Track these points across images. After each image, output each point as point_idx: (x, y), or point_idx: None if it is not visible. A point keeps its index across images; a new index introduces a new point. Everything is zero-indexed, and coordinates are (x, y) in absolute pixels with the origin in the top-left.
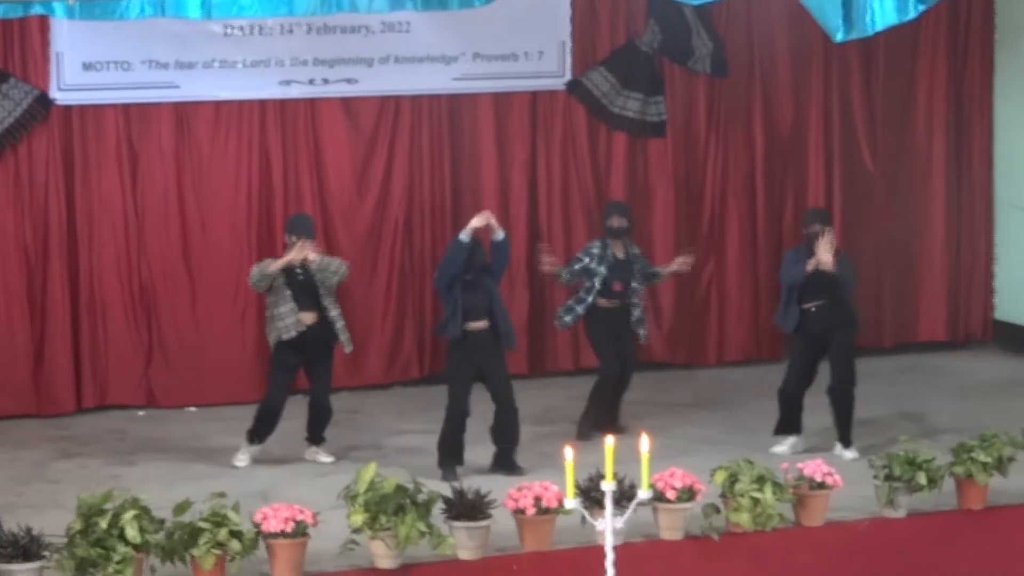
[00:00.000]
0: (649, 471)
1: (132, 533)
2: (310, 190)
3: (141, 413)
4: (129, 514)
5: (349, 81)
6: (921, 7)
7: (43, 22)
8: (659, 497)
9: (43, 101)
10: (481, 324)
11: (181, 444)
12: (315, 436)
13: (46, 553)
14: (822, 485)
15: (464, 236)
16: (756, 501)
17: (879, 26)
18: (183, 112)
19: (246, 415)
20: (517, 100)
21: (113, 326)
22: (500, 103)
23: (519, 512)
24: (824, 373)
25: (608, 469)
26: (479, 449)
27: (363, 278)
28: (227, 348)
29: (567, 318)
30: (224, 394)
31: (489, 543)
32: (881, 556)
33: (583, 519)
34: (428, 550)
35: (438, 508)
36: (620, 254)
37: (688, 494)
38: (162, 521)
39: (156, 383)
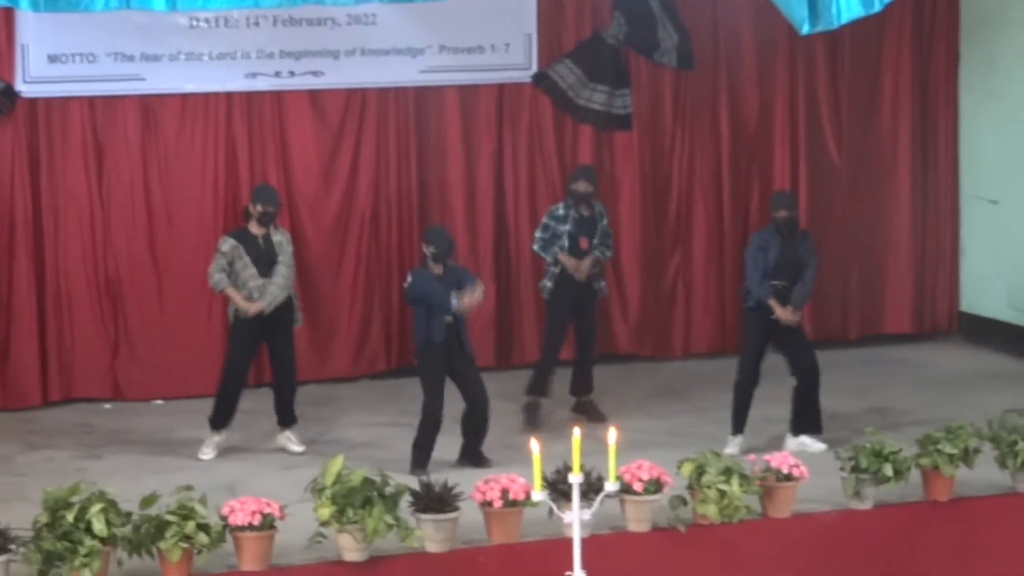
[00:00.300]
0: (616, 463)
1: (99, 526)
2: (276, 182)
3: (108, 406)
4: (96, 507)
5: (315, 74)
6: (886, 0)
7: (8, 14)
8: (626, 489)
9: (8, 94)
10: (448, 319)
11: (148, 437)
12: (285, 416)
13: (12, 547)
14: (789, 477)
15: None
16: (723, 493)
17: (844, 19)
18: (149, 105)
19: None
20: (484, 92)
21: (79, 319)
22: (466, 95)
23: (486, 505)
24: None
25: (575, 461)
26: (446, 441)
27: (330, 271)
28: (194, 341)
29: (549, 284)
30: (191, 387)
31: (456, 536)
32: (848, 547)
33: (550, 511)
34: (396, 543)
35: (405, 501)
36: (585, 212)
37: (655, 486)
38: (129, 514)
39: (123, 376)
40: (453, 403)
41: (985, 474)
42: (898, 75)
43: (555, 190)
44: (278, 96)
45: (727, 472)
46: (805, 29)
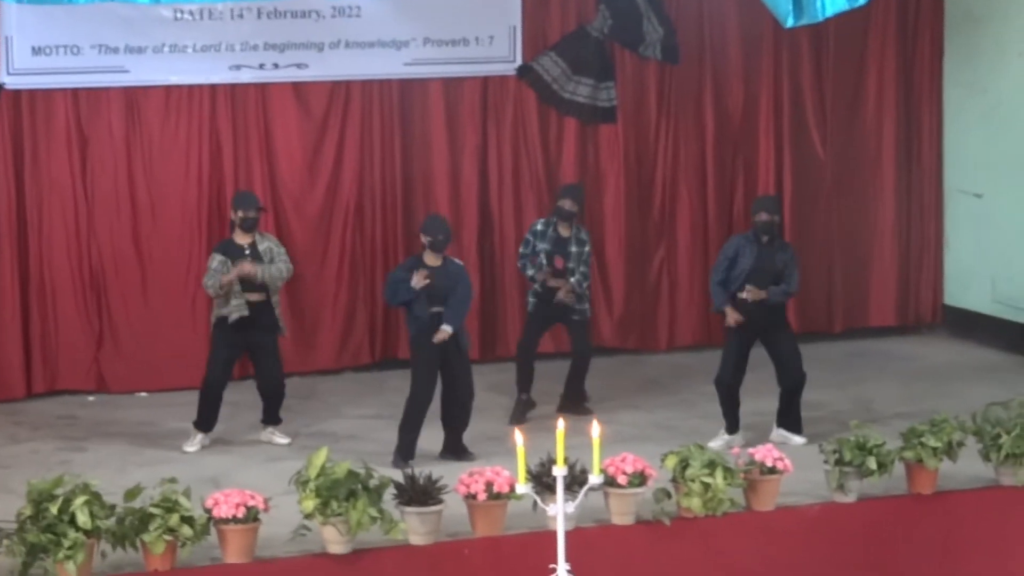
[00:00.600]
0: (600, 456)
1: (83, 519)
2: (261, 175)
3: (92, 398)
4: (80, 499)
5: (299, 66)
6: None
7: None
8: (610, 482)
9: None
10: (441, 310)
11: (132, 429)
12: (270, 416)
13: None
14: (773, 470)
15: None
16: (707, 486)
17: (829, 12)
18: (133, 97)
19: (197, 400)
20: (468, 85)
21: (63, 311)
22: (451, 88)
23: (470, 497)
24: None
25: (559, 454)
26: (429, 434)
27: (314, 263)
28: (178, 333)
29: (532, 299)
30: (175, 379)
31: (441, 528)
32: (831, 540)
33: (534, 504)
34: (380, 535)
35: (389, 493)
36: (565, 233)
37: (639, 479)
38: (113, 507)
39: (107, 368)
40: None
41: (969, 467)
42: (882, 69)
43: (539, 183)
44: (262, 88)
45: (711, 465)
46: (789, 22)
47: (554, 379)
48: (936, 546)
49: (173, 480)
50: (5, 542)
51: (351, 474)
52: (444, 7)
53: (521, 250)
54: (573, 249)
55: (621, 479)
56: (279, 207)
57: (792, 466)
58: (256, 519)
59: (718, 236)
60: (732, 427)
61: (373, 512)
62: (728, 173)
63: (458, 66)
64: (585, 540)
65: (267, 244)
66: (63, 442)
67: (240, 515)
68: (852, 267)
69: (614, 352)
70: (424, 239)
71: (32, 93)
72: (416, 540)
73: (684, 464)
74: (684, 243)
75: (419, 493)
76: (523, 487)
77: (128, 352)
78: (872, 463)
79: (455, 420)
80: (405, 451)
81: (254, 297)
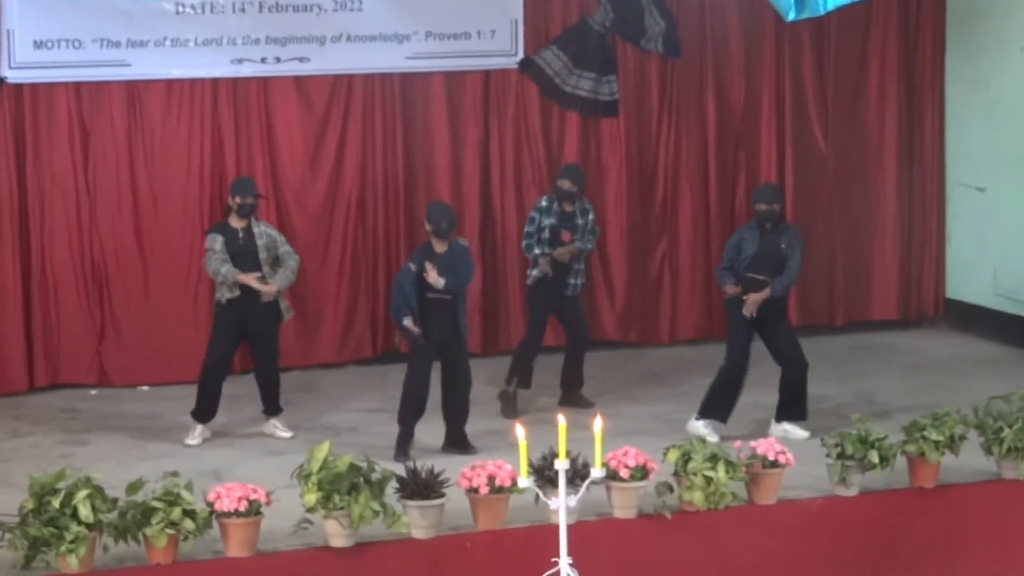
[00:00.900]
0: (602, 450)
1: (85, 512)
2: (262, 168)
3: (93, 392)
4: (82, 493)
5: (301, 59)
6: None
7: None
8: (612, 476)
9: None
10: (445, 296)
11: (134, 423)
12: (271, 407)
13: None
14: (775, 464)
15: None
16: (709, 480)
17: (830, 6)
18: (135, 90)
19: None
20: (470, 79)
21: (65, 305)
22: (453, 82)
23: (473, 491)
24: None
25: (561, 448)
26: (432, 428)
27: (316, 257)
28: (180, 326)
29: (534, 272)
30: (177, 373)
31: (443, 522)
32: (833, 534)
33: (536, 498)
34: (382, 529)
35: (391, 487)
36: (568, 208)
37: (641, 473)
38: (115, 500)
39: (108, 362)
40: (437, 388)
41: (971, 461)
42: (884, 63)
43: (541, 176)
44: (264, 82)
45: (713, 459)
46: (791, 16)
47: (555, 373)
48: (938, 540)
49: (175, 474)
50: (7, 536)
51: (353, 468)
52: (445, 1)
53: (527, 228)
54: (579, 222)
55: (623, 473)
56: (281, 201)
57: (794, 460)
58: (258, 513)
59: (720, 229)
60: (726, 417)
61: (375, 506)
62: (730, 167)
63: (460, 60)
64: (587, 533)
65: (262, 229)
66: (65, 436)
67: (242, 509)
68: (854, 261)
69: (616, 345)
70: (429, 227)
71: (34, 87)
72: (418, 534)
73: (686, 458)
74: (686, 237)
75: (421, 487)
76: (525, 481)
77: (130, 345)
78: (874, 457)
79: (454, 411)
80: (403, 441)
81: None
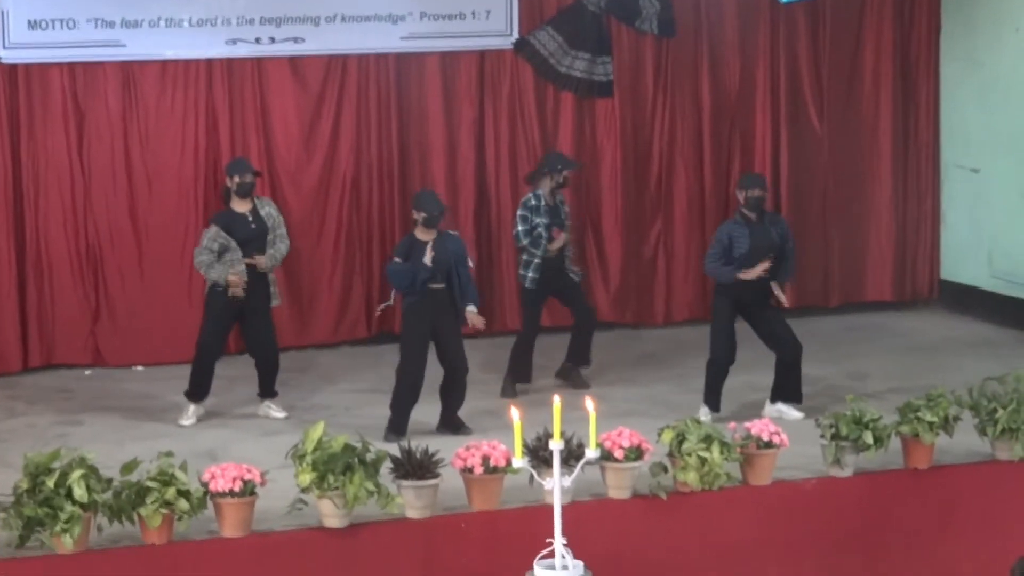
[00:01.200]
0: (597, 430)
1: (79, 492)
2: (257, 149)
3: (88, 372)
4: (76, 473)
5: (296, 40)
6: None
7: None
8: (607, 456)
9: None
10: (439, 284)
11: (128, 403)
12: (266, 389)
13: None
14: (769, 444)
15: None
16: (703, 460)
17: None
18: (129, 71)
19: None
20: (464, 60)
21: (60, 285)
22: (447, 62)
23: (467, 471)
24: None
25: (556, 428)
26: (426, 408)
27: (310, 237)
28: (174, 307)
29: (534, 275)
30: (171, 353)
31: (437, 502)
32: (827, 515)
33: (531, 478)
34: (376, 509)
35: (386, 467)
36: (551, 202)
37: (636, 453)
38: (110, 480)
39: (103, 342)
40: (433, 368)
41: (965, 442)
42: (879, 43)
43: (536, 158)
44: (258, 62)
45: (708, 439)
46: None
47: (549, 354)
48: (932, 520)
49: (170, 454)
50: (2, 515)
51: (348, 448)
52: None
53: (521, 228)
54: (564, 213)
55: (618, 453)
56: (276, 181)
57: (788, 441)
58: (253, 493)
59: (715, 210)
60: (718, 405)
61: (370, 486)
62: (725, 147)
63: (454, 40)
64: (581, 514)
65: (268, 210)
66: (60, 416)
67: (237, 489)
68: (848, 242)
69: (611, 326)
70: (418, 215)
71: (28, 67)
72: (412, 514)
73: (681, 438)
74: (681, 217)
75: (416, 467)
76: (520, 461)
77: (124, 326)
78: (868, 438)
79: (451, 395)
80: (397, 427)
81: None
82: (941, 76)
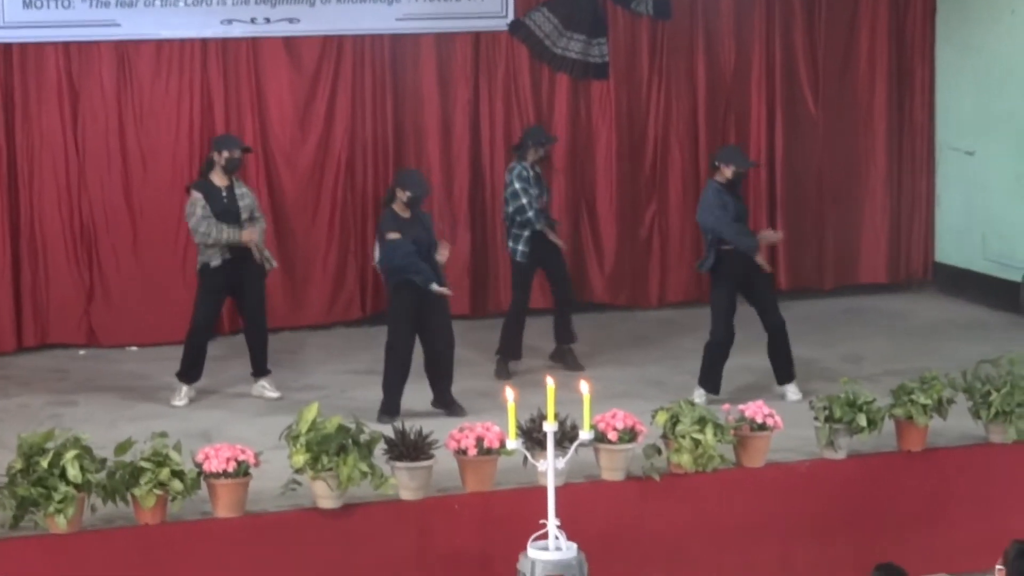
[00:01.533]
0: (591, 412)
1: (73, 472)
2: (252, 130)
3: (82, 352)
4: (70, 453)
5: (291, 20)
6: None
7: None
8: (600, 438)
9: None
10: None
11: (122, 383)
12: (259, 367)
13: None
14: (763, 427)
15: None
16: (697, 442)
17: None
18: (124, 51)
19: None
20: (459, 40)
21: (54, 265)
22: (443, 43)
23: (461, 453)
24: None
25: (550, 410)
26: (420, 390)
27: (305, 218)
28: (169, 287)
29: (524, 248)
30: (166, 333)
31: (431, 483)
32: (821, 497)
33: (525, 460)
34: (370, 490)
35: (380, 448)
36: (537, 170)
37: (629, 435)
38: (103, 460)
39: (97, 322)
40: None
41: (958, 425)
42: (875, 25)
43: None
44: (253, 43)
45: (701, 421)
46: None
47: (543, 336)
48: (925, 503)
49: (164, 434)
50: None
51: (341, 429)
52: None
53: (524, 201)
54: (544, 183)
55: (611, 435)
56: (270, 162)
57: (782, 423)
58: (247, 473)
59: None
60: (718, 388)
61: (363, 467)
62: (720, 130)
63: (450, 21)
64: (575, 495)
65: (244, 190)
66: (53, 396)
67: (231, 469)
68: (843, 224)
69: (605, 308)
70: (403, 194)
71: (23, 47)
72: (406, 495)
73: (674, 420)
74: (675, 199)
75: (409, 448)
76: (513, 443)
77: (119, 306)
78: (862, 420)
79: (438, 373)
80: (390, 408)
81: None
82: (936, 58)
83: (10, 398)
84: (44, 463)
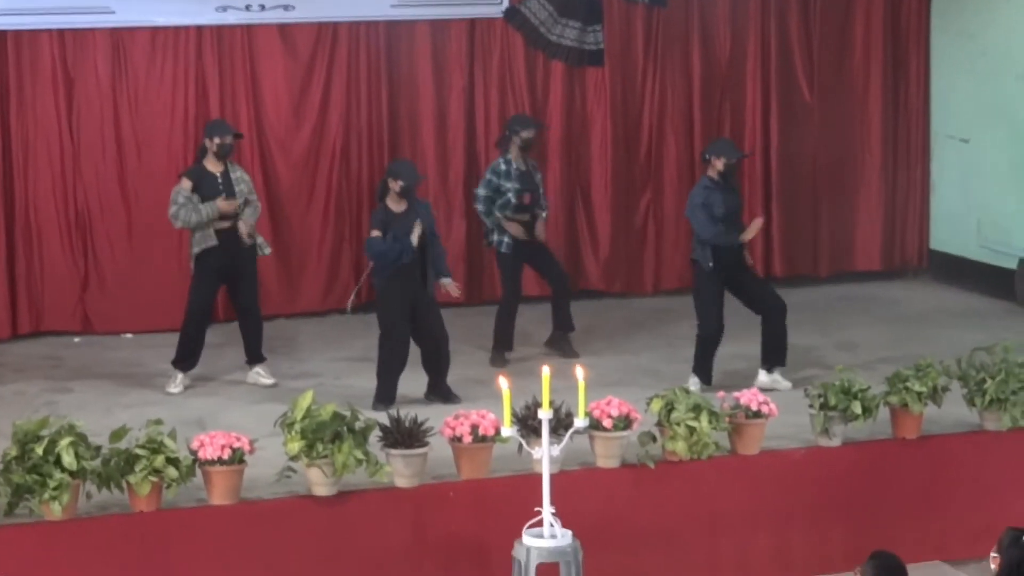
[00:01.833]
0: (585, 400)
1: (68, 460)
2: (247, 117)
3: (77, 340)
4: (65, 441)
5: (286, 8)
6: None
7: None
8: (595, 425)
9: None
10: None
11: (117, 371)
12: (254, 354)
13: None
14: (758, 414)
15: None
16: (692, 430)
17: None
18: (119, 38)
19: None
20: (455, 28)
21: (49, 252)
22: (438, 30)
23: (456, 440)
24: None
25: (545, 398)
26: (414, 379)
27: (300, 205)
28: (163, 274)
29: (506, 239)
30: (160, 320)
31: (426, 471)
32: (816, 484)
33: (520, 447)
34: (365, 478)
35: (375, 436)
36: (522, 166)
37: (624, 422)
38: (98, 448)
39: (92, 309)
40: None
41: (953, 412)
42: (870, 13)
43: None
44: (248, 30)
45: (696, 409)
46: None
47: (537, 324)
48: (920, 490)
49: (159, 421)
50: None
51: (336, 416)
52: None
53: (482, 192)
54: (537, 179)
55: (606, 422)
56: (265, 149)
57: (777, 410)
58: (242, 461)
59: None
60: (709, 378)
61: (358, 454)
62: (715, 117)
63: (445, 8)
64: (570, 483)
65: (239, 174)
66: (48, 383)
67: (226, 457)
68: (838, 211)
69: (600, 295)
70: (397, 185)
71: (18, 34)
72: (401, 483)
73: (669, 408)
74: (670, 187)
75: (404, 436)
76: (508, 430)
77: (113, 293)
78: (857, 407)
79: (434, 365)
80: (385, 395)
81: (222, 225)
82: (931, 46)
83: (5, 385)
84: (39, 450)
